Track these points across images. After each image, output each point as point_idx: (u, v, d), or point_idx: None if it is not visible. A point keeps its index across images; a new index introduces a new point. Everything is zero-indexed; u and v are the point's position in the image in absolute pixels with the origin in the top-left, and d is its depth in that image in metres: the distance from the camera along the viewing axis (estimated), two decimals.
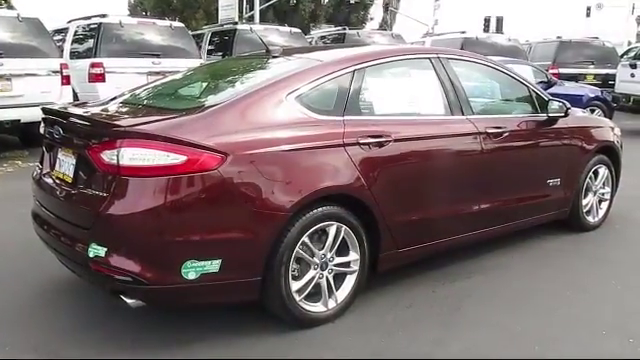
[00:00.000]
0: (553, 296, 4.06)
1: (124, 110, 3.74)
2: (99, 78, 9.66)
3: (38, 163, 3.97)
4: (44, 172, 3.74)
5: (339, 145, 3.50)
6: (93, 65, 9.70)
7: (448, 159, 4.10)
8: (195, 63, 10.46)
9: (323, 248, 3.50)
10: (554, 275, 4.46)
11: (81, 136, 3.27)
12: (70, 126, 3.38)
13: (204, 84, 4.12)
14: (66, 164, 3.46)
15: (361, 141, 3.59)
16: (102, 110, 3.72)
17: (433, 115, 4.17)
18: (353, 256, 3.64)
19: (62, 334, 3.43)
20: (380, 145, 3.67)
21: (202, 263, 3.07)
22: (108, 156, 3.04)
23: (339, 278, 3.63)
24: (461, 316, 3.74)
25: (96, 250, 3.04)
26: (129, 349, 3.26)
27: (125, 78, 9.68)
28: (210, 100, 3.50)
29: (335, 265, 3.58)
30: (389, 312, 3.76)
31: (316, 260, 3.47)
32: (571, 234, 5.36)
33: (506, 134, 4.42)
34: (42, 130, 3.89)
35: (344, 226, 3.53)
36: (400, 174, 3.81)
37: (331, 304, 3.57)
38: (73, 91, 9.32)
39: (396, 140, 3.74)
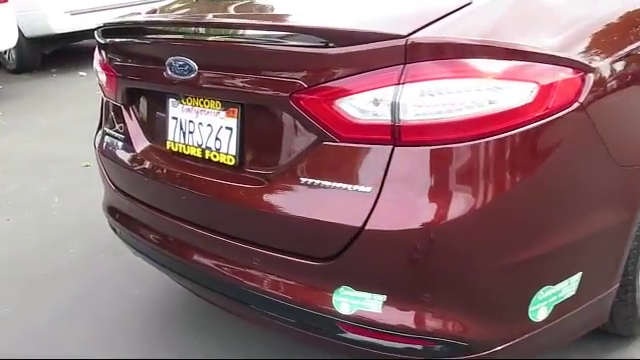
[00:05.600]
0: None
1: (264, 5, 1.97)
2: None
3: (105, 127, 2.23)
4: (139, 146, 2.03)
5: None
6: None
7: None
8: None
9: None
10: None
11: (266, 70, 1.57)
12: (225, 52, 1.66)
13: None
14: (207, 130, 1.78)
15: None
16: (229, 11, 1.96)
17: None
18: None
19: None
20: None
21: (558, 287, 1.57)
22: (359, 107, 1.42)
23: None
24: None
25: (358, 301, 1.48)
26: None
27: None
28: None
29: None
30: None
31: None
32: None
33: None
34: (98, 66, 2.15)
35: None
36: None
37: None
38: None
39: None
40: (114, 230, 2.32)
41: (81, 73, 7.51)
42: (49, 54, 8.07)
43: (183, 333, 2.42)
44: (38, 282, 2.90)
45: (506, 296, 1.50)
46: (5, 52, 7.85)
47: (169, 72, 1.74)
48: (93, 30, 2.14)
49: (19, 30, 7.20)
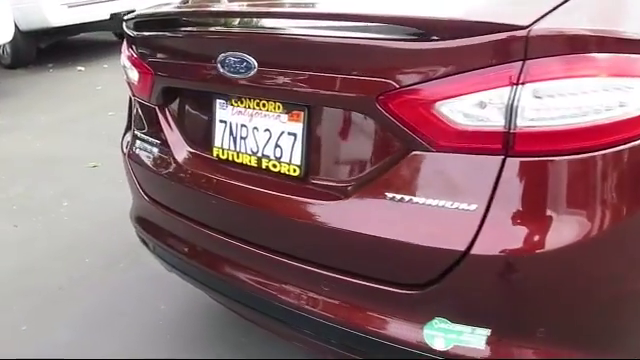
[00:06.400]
0: None
1: None
2: None
3: (136, 130, 2.01)
4: (178, 153, 1.81)
5: None
6: None
7: None
8: None
9: None
10: None
11: (345, 67, 1.35)
12: (294, 47, 1.44)
13: None
14: (264, 135, 1.57)
15: None
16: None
17: None
18: None
19: None
20: None
21: None
22: (464, 111, 1.21)
23: None
24: None
25: (456, 335, 1.28)
26: None
27: None
28: None
29: None
30: None
31: None
32: None
33: None
34: (127, 62, 1.93)
35: None
36: None
37: None
38: None
39: None
40: (145, 244, 2.10)
41: (79, 68, 7.25)
42: (45, 48, 7.79)
43: (216, 351, 2.22)
44: (54, 295, 2.68)
45: (629, 327, 1.31)
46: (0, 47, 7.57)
47: (221, 70, 1.52)
48: (123, 22, 1.92)
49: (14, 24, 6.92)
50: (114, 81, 6.46)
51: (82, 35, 8.21)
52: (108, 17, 7.36)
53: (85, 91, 6.26)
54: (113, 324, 2.45)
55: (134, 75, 1.91)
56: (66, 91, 6.41)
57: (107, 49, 8.07)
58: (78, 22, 7.25)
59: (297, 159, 1.49)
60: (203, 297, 2.28)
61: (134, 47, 1.89)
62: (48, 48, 7.82)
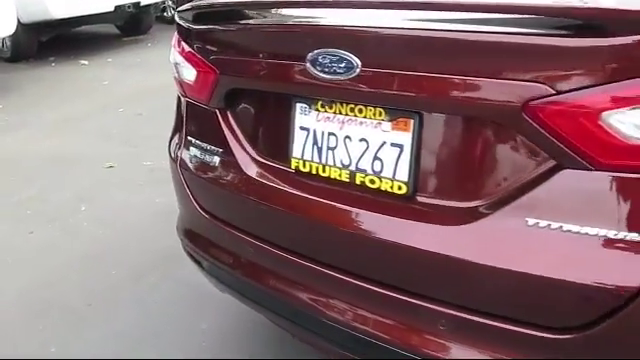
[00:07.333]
0: None
1: None
2: None
3: (190, 136, 1.78)
4: (246, 164, 1.59)
5: None
6: None
7: None
8: None
9: None
10: None
11: (479, 69, 1.13)
12: (409, 43, 1.22)
13: None
14: (360, 146, 1.34)
15: None
16: None
17: None
18: None
19: None
20: None
21: None
22: (636, 123, 0.99)
23: None
24: None
25: None
26: None
27: None
28: None
29: None
30: None
31: None
32: None
33: None
34: (181, 58, 1.70)
35: None
36: None
37: None
38: None
39: None
40: (194, 259, 1.88)
41: (82, 62, 6.99)
42: (45, 41, 7.51)
43: None
44: (81, 313, 2.46)
45: None
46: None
47: (312, 69, 1.30)
48: (175, 12, 1.69)
49: None
50: (120, 76, 6.25)
51: (83, 28, 7.93)
52: (112, 9, 7.10)
53: (91, 86, 6.02)
54: (150, 346, 2.23)
55: (190, 74, 1.68)
56: (71, 86, 6.15)
57: (110, 42, 7.82)
58: (81, 14, 6.98)
59: (403, 174, 1.28)
60: (248, 313, 2.06)
61: (191, 42, 1.66)
62: (49, 41, 7.54)
